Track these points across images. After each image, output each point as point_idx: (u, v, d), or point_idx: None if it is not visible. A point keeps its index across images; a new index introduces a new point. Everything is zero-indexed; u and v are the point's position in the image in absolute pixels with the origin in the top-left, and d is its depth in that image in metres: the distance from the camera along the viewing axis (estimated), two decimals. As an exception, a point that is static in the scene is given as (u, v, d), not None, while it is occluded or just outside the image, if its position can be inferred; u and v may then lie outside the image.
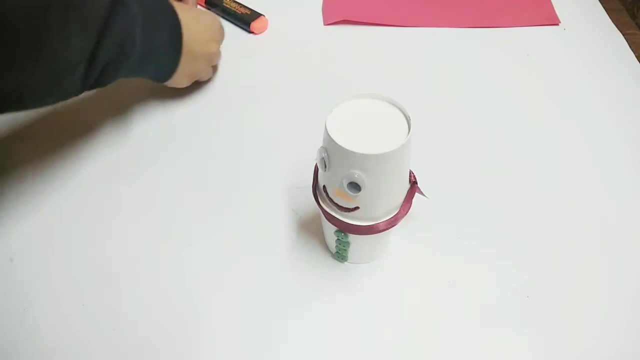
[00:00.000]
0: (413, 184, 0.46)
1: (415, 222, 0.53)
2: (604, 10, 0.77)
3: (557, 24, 0.74)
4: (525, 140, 0.61)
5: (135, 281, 0.50)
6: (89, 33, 0.45)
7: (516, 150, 0.60)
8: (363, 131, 0.41)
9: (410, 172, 0.46)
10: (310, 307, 0.48)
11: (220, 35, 0.64)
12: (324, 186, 0.45)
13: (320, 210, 0.47)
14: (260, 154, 0.59)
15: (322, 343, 0.46)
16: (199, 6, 0.75)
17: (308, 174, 0.48)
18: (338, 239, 0.47)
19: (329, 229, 0.48)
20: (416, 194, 0.46)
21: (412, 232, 0.52)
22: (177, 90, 0.64)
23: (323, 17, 0.75)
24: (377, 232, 0.45)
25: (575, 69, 0.69)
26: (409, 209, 0.45)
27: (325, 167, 0.42)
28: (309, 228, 0.53)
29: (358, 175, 0.40)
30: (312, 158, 0.46)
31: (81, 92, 0.49)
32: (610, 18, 0.75)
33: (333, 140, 0.40)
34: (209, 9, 0.76)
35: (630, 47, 0.71)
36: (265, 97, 0.65)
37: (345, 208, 0.44)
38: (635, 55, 0.70)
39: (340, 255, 0.50)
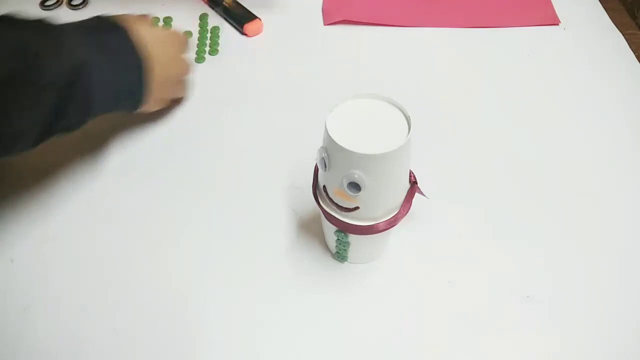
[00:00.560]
0: (413, 184, 0.46)
1: (415, 222, 0.53)
2: (604, 10, 0.77)
3: (557, 24, 0.74)
4: (525, 140, 0.61)
5: (135, 281, 0.50)
6: (47, 102, 0.45)
7: (516, 150, 0.60)
8: (363, 131, 0.41)
9: (410, 172, 0.46)
10: (310, 307, 0.48)
11: (184, 48, 0.61)
12: (324, 186, 0.45)
13: (320, 210, 0.47)
14: (260, 154, 0.59)
15: (322, 343, 0.46)
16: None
17: (308, 174, 0.48)
18: (338, 239, 0.47)
19: (329, 229, 0.48)
20: (416, 194, 0.46)
21: (412, 232, 0.52)
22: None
23: (323, 17, 0.75)
24: (377, 232, 0.45)
25: (575, 69, 0.69)
26: (409, 209, 0.45)
27: (325, 167, 0.42)
28: (309, 228, 0.53)
29: (358, 175, 0.40)
30: (312, 158, 0.46)
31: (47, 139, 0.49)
32: (610, 18, 0.75)
33: (333, 140, 0.40)
34: (212, 8, 0.76)
35: (630, 47, 0.71)
36: (265, 97, 0.65)
37: (345, 208, 0.44)
38: (635, 55, 0.70)
39: (340, 255, 0.50)
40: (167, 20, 0.74)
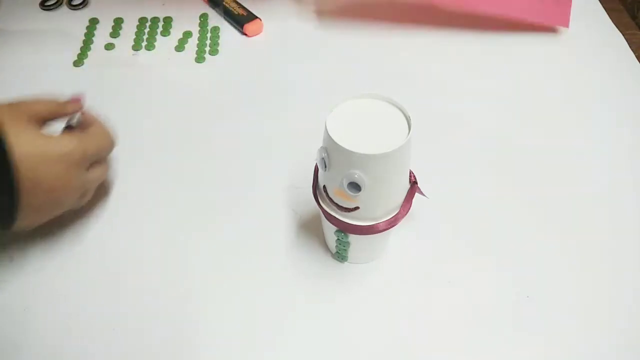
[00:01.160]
0: (413, 184, 0.46)
1: (415, 222, 0.53)
2: (604, 10, 0.77)
3: (565, 26, 0.73)
4: (525, 140, 0.61)
5: (135, 281, 0.50)
6: None
7: (516, 150, 0.60)
8: (363, 131, 0.41)
9: (410, 172, 0.46)
10: (310, 307, 0.48)
11: (99, 151, 0.50)
12: (324, 186, 0.45)
13: (320, 210, 0.47)
14: (260, 154, 0.59)
15: (322, 343, 0.46)
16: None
17: (308, 174, 0.48)
18: (338, 239, 0.47)
19: (329, 229, 0.48)
20: (416, 194, 0.46)
21: (412, 232, 0.52)
22: (177, 91, 0.64)
23: None
24: (377, 232, 0.45)
25: (575, 69, 0.69)
26: (409, 209, 0.45)
27: (325, 167, 0.42)
28: (309, 228, 0.53)
29: (358, 175, 0.40)
30: (312, 158, 0.46)
31: None
32: (610, 18, 0.75)
33: (333, 140, 0.40)
34: (212, 8, 0.76)
35: (630, 47, 0.71)
36: (265, 97, 0.65)
37: (345, 208, 0.44)
38: (635, 55, 0.70)
39: (340, 255, 0.50)
40: (167, 20, 0.74)
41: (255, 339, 0.46)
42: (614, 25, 0.74)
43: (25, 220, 0.45)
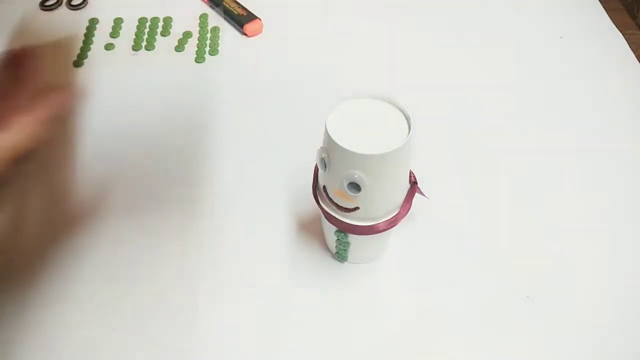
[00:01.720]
0: (413, 184, 0.46)
1: (415, 222, 0.53)
2: (604, 10, 0.76)
3: None
4: (525, 140, 0.61)
5: (136, 281, 0.50)
6: None
7: (516, 150, 0.60)
8: (363, 131, 0.41)
9: (410, 172, 0.46)
10: (310, 307, 0.48)
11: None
12: (324, 186, 0.45)
13: (320, 211, 0.47)
14: (260, 154, 0.59)
15: (321, 343, 0.46)
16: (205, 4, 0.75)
17: (308, 174, 0.48)
18: (338, 239, 0.47)
19: (329, 229, 0.48)
20: (416, 194, 0.46)
21: (412, 232, 0.52)
22: (177, 91, 0.64)
23: None
24: (377, 233, 0.45)
25: (575, 68, 0.69)
26: (409, 209, 0.45)
27: (325, 167, 0.42)
28: (309, 228, 0.53)
29: (358, 176, 0.40)
30: (312, 158, 0.46)
31: None
32: (610, 18, 0.75)
33: (333, 141, 0.40)
34: (212, 8, 0.76)
35: (630, 47, 0.71)
36: (265, 97, 0.65)
37: (345, 208, 0.44)
38: (635, 55, 0.70)
39: (340, 255, 0.50)
40: (167, 20, 0.74)
41: (256, 339, 0.46)
42: (614, 25, 0.74)
43: None
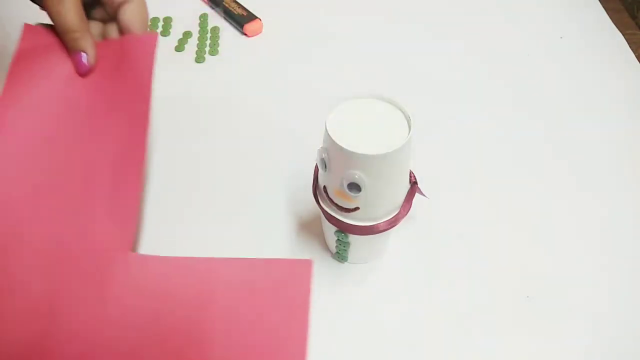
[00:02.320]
0: (413, 184, 0.46)
1: (415, 222, 0.53)
2: (604, 10, 0.76)
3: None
4: (525, 140, 0.61)
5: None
6: None
7: (516, 151, 0.60)
8: (363, 131, 0.41)
9: (410, 172, 0.46)
10: (310, 307, 0.48)
11: None
12: (324, 186, 0.45)
13: (320, 211, 0.47)
14: (260, 154, 0.59)
15: (321, 343, 0.46)
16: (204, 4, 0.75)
17: (308, 174, 0.48)
18: (338, 239, 0.47)
19: (329, 229, 0.48)
20: (416, 194, 0.46)
21: (412, 232, 0.52)
22: (177, 91, 0.64)
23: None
24: (377, 233, 0.45)
25: (575, 68, 0.69)
26: (409, 209, 0.45)
27: (325, 167, 0.42)
28: (309, 228, 0.53)
29: (358, 176, 0.40)
30: (312, 158, 0.46)
31: None
32: (610, 18, 0.75)
33: (333, 141, 0.40)
34: (212, 8, 0.76)
35: (630, 47, 0.71)
36: (265, 97, 0.65)
37: (346, 208, 0.44)
38: (635, 55, 0.70)
39: (340, 255, 0.50)
40: (167, 20, 0.74)
41: (256, 339, 0.46)
42: (614, 25, 0.74)
43: None
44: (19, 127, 0.45)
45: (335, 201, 0.44)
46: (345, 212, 0.44)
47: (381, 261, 0.51)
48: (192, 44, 0.71)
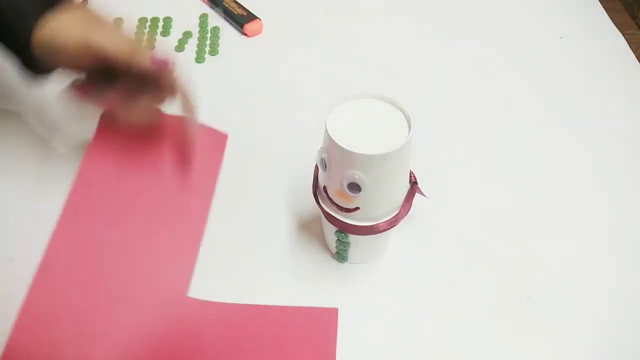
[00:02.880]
0: (413, 184, 0.46)
1: (415, 222, 0.53)
2: (604, 10, 0.77)
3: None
4: (525, 140, 0.61)
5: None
6: None
7: (516, 151, 0.60)
8: (363, 131, 0.41)
9: (410, 172, 0.46)
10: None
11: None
12: (324, 187, 0.45)
13: (320, 211, 0.47)
14: (260, 154, 0.59)
15: (322, 343, 0.46)
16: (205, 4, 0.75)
17: (308, 174, 0.48)
18: (338, 239, 0.47)
19: (329, 229, 0.48)
20: (416, 194, 0.46)
21: (412, 232, 0.52)
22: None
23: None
24: (377, 233, 0.45)
25: (575, 68, 0.69)
26: (409, 209, 0.45)
27: (326, 167, 0.42)
28: (309, 228, 0.53)
29: (358, 176, 0.40)
30: (312, 158, 0.46)
31: None
32: (610, 18, 0.75)
33: (333, 141, 0.40)
34: (212, 8, 0.76)
35: (630, 47, 0.71)
36: (265, 97, 0.65)
37: (346, 208, 0.44)
38: (635, 55, 0.70)
39: (340, 255, 0.50)
40: (167, 20, 0.74)
41: (256, 339, 0.46)
42: (614, 25, 0.74)
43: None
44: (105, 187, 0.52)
45: (335, 201, 0.44)
46: (345, 212, 0.44)
47: (381, 261, 0.51)
48: (192, 44, 0.71)
